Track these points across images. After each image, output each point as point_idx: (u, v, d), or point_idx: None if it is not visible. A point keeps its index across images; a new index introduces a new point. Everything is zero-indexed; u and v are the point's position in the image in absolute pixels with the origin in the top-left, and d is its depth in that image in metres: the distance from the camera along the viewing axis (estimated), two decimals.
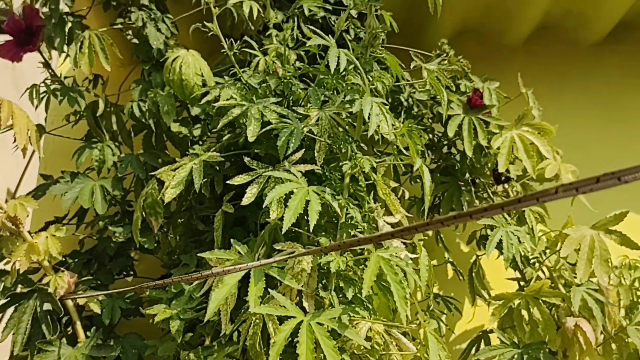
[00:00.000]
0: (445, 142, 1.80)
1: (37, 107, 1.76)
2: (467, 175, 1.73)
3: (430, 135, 1.80)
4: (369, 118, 1.24)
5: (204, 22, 1.50)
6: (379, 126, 1.32)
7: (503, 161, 1.58)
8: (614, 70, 2.21)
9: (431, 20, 2.07)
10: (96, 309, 1.55)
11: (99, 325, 1.58)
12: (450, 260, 1.84)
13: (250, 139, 1.35)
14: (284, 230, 1.17)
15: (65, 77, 1.81)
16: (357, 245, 0.95)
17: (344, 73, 1.43)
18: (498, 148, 1.60)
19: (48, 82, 1.75)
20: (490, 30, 2.22)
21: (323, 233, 1.34)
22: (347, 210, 1.30)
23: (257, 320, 1.20)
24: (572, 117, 2.11)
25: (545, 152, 1.59)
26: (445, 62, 1.73)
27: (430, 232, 1.92)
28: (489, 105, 1.67)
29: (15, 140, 1.59)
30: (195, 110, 1.70)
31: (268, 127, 1.35)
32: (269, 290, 1.19)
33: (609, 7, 2.07)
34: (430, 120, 1.79)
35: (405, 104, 1.76)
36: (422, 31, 2.13)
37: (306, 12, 1.63)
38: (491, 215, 0.59)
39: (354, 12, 1.59)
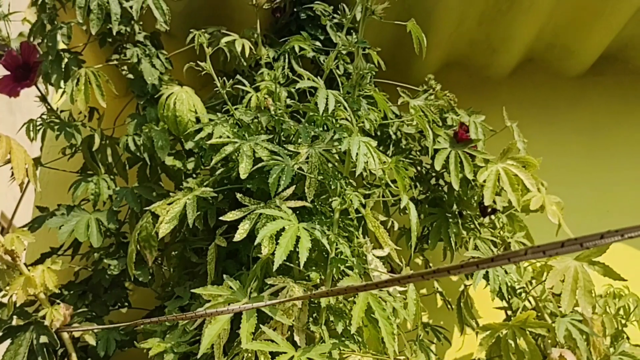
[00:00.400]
0: (434, 174, 1.84)
1: (33, 139, 1.81)
2: (455, 207, 1.78)
3: (419, 168, 1.84)
4: (356, 157, 1.29)
5: (197, 62, 1.55)
6: (367, 162, 1.36)
7: (489, 194, 1.62)
8: (597, 101, 2.27)
9: (418, 55, 2.13)
10: (91, 341, 1.58)
11: (94, 357, 1.61)
12: (440, 289, 1.88)
13: (243, 176, 1.39)
14: (275, 267, 1.20)
15: (61, 111, 1.85)
16: (357, 291, 0.99)
17: (333, 110, 1.48)
18: (484, 181, 1.64)
19: (44, 116, 1.80)
20: (476, 63, 2.28)
21: (314, 267, 1.38)
22: (336, 245, 1.34)
23: (250, 355, 1.24)
24: (557, 147, 2.17)
25: (529, 185, 1.64)
26: (432, 96, 1.78)
27: (419, 262, 1.96)
28: (475, 139, 1.72)
29: (12, 175, 1.63)
30: (189, 144, 1.74)
31: (259, 165, 1.39)
32: (261, 325, 1.22)
33: (591, 41, 2.14)
34: (418, 153, 1.84)
35: (393, 137, 1.81)
36: (410, 64, 2.18)
37: (297, 50, 1.68)
38: (467, 272, 0.63)
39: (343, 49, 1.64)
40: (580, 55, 2.21)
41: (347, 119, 1.42)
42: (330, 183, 1.40)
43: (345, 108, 1.38)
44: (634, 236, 0.57)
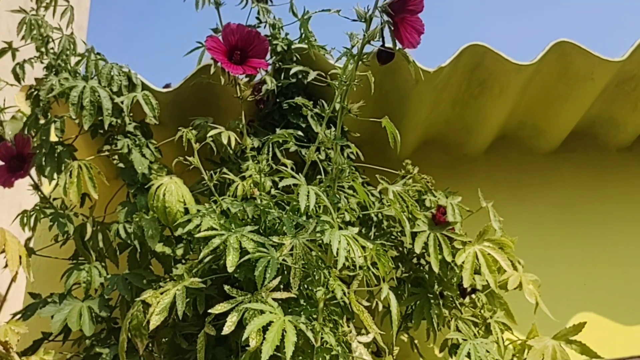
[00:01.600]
0: (415, 255, 1.91)
1: (24, 227, 1.87)
2: (436, 287, 1.84)
3: (401, 249, 1.91)
4: (337, 252, 1.35)
5: (185, 157, 1.63)
6: (348, 252, 1.43)
7: (467, 276, 1.68)
8: (569, 177, 2.37)
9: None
10: None
11: None
12: None
13: (230, 269, 1.45)
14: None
15: (54, 199, 1.91)
16: None
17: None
18: (462, 263, 1.71)
19: (38, 206, 1.86)
20: (452, 142, 2.38)
21: (300, 357, 1.43)
22: (322, 335, 1.39)
23: None
24: (532, 224, 2.25)
25: (505, 266, 1.71)
26: (410, 180, 1.86)
27: (405, 339, 2.00)
28: (453, 222, 1.80)
29: (6, 265, 1.69)
30: (178, 231, 1.81)
31: (246, 257, 1.46)
32: None
33: (560, 120, 2.26)
34: (399, 234, 1.91)
35: (375, 219, 1.89)
36: (388, 144, 2.28)
37: (280, 141, 1.77)
38: None
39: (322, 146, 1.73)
40: (550, 133, 2.32)
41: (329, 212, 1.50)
42: (315, 273, 1.47)
43: (324, 204, 1.46)
44: None
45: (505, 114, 2.22)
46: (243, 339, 1.29)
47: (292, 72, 1.89)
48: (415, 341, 1.95)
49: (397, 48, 1.44)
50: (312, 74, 1.67)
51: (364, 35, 1.44)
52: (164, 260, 1.85)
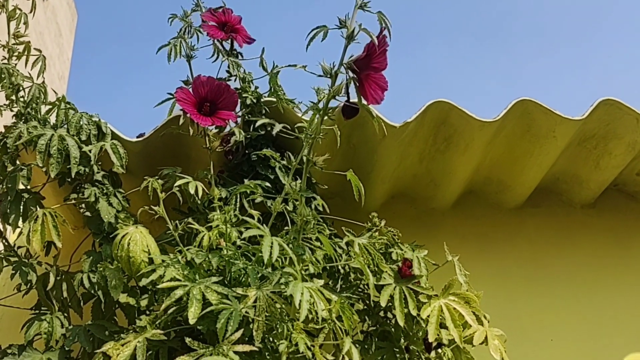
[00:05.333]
0: (381, 308, 1.90)
1: None
2: (402, 341, 1.83)
3: (367, 302, 1.91)
4: (299, 304, 1.35)
5: (151, 206, 1.63)
6: (312, 304, 1.42)
7: (432, 330, 1.68)
8: (535, 232, 2.41)
9: (365, 187, 2.25)
10: None
11: None
12: None
13: (192, 322, 1.43)
14: None
15: (18, 247, 1.89)
16: None
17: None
18: (428, 317, 1.72)
19: (1, 254, 1.83)
20: (420, 196, 2.42)
21: None
22: None
23: None
24: (498, 278, 2.27)
25: (470, 321, 1.71)
26: (377, 233, 1.88)
27: None
28: (418, 275, 1.81)
29: None
30: (143, 282, 1.79)
31: (208, 309, 1.44)
32: None
33: (525, 176, 2.31)
34: (366, 287, 1.91)
35: (342, 271, 1.89)
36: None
37: (247, 192, 1.78)
38: None
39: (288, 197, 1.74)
40: (516, 188, 2.37)
41: (292, 264, 1.50)
42: (278, 326, 1.46)
43: (289, 255, 1.46)
44: None
45: (472, 169, 2.26)
46: None
47: (257, 124, 1.92)
48: None
49: (361, 103, 1.48)
50: (278, 127, 1.70)
51: (330, 90, 1.48)
52: (128, 311, 1.83)
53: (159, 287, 1.52)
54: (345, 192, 2.26)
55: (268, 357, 1.46)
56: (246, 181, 1.86)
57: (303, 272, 1.53)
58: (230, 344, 1.42)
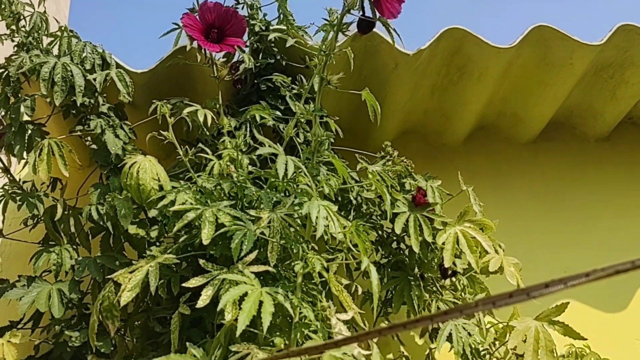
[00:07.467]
0: (394, 238, 1.88)
1: None
2: (416, 269, 1.81)
3: (380, 232, 1.88)
4: (316, 221, 1.32)
5: (160, 131, 1.59)
6: (327, 226, 1.39)
7: (448, 256, 1.66)
8: (548, 166, 2.37)
9: (375, 122, 2.21)
10: None
11: None
12: (406, 354, 1.88)
13: (205, 242, 1.40)
14: (238, 332, 1.20)
15: (24, 182, 1.85)
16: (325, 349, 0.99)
17: (294, 176, 1.52)
18: (443, 244, 1.69)
19: (7, 187, 1.80)
20: (431, 131, 2.37)
21: (278, 333, 1.38)
22: (300, 309, 1.35)
23: None
24: (512, 211, 2.24)
25: (487, 247, 1.68)
26: (390, 162, 1.84)
27: (384, 325, 1.97)
28: (433, 203, 1.78)
29: None
30: (152, 212, 1.75)
31: (222, 230, 1.41)
32: None
33: (538, 109, 2.26)
34: (379, 217, 1.88)
35: (354, 202, 1.85)
36: (367, 132, 2.26)
37: (257, 119, 1.74)
38: (422, 325, 0.66)
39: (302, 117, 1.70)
40: (529, 122, 2.32)
41: (307, 185, 1.46)
42: (293, 247, 1.42)
43: (304, 173, 1.42)
44: (576, 284, 0.61)
45: (484, 101, 2.21)
46: (218, 308, 1.23)
47: (270, 37, 1.86)
48: None
49: (377, 17, 1.42)
50: (291, 41, 1.64)
51: (344, 4, 1.42)
52: (138, 243, 1.80)
53: (171, 209, 1.48)
54: (354, 129, 2.22)
55: (281, 282, 1.43)
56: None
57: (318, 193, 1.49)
58: (244, 265, 1.39)
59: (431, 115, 2.29)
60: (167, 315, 1.63)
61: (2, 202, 1.80)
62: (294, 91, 1.84)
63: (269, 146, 1.45)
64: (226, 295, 1.26)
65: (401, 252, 1.87)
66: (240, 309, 1.23)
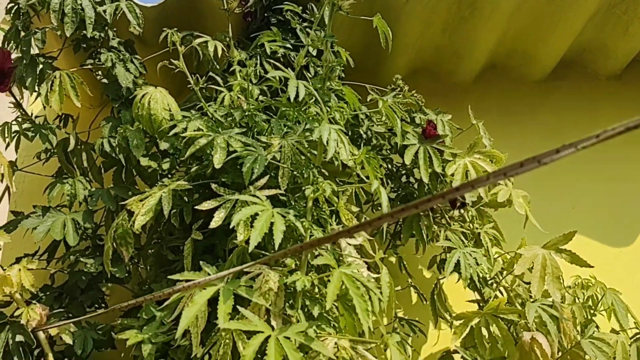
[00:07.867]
0: (404, 172, 1.89)
1: (7, 146, 1.81)
2: None
3: (389, 166, 1.89)
4: (327, 143, 1.33)
5: (171, 59, 1.59)
6: (338, 152, 1.40)
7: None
8: (558, 105, 2.36)
9: (386, 58, 2.20)
10: (68, 339, 1.58)
11: (71, 358, 1.60)
12: (413, 284, 1.91)
13: (217, 166, 1.41)
14: (250, 250, 1.23)
15: (36, 117, 1.86)
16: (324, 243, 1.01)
17: (304, 106, 1.53)
18: (452, 175, 1.70)
19: (19, 120, 1.81)
20: (441, 69, 2.36)
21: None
22: (310, 232, 1.37)
23: (227, 340, 1.24)
24: (522, 150, 2.18)
25: None
26: (400, 96, 1.83)
27: (393, 260, 1.99)
28: (443, 135, 1.78)
29: None
30: (163, 145, 1.76)
31: (233, 155, 1.42)
32: (238, 307, 1.23)
33: (550, 47, 2.23)
34: (388, 152, 1.89)
35: (364, 136, 1.86)
36: (377, 69, 2.25)
37: (268, 51, 1.73)
38: (492, 182, 0.67)
39: (313, 51, 1.70)
40: (540, 60, 2.30)
41: (317, 112, 1.47)
42: (303, 172, 1.44)
43: (316, 99, 1.42)
44: (587, 145, 0.63)
45: (496, 39, 2.19)
46: (231, 226, 1.26)
47: None
48: (404, 262, 1.94)
49: None
50: None
51: None
52: (149, 176, 1.81)
53: (183, 135, 1.49)
54: (363, 64, 2.20)
55: (291, 208, 1.45)
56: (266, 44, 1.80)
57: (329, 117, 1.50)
58: (256, 188, 1.41)
59: (442, 52, 2.28)
60: (179, 244, 1.66)
61: (15, 137, 1.81)
62: (305, 24, 1.83)
63: (280, 70, 1.45)
64: (238, 215, 1.28)
65: (410, 185, 1.89)
66: (252, 227, 1.26)
